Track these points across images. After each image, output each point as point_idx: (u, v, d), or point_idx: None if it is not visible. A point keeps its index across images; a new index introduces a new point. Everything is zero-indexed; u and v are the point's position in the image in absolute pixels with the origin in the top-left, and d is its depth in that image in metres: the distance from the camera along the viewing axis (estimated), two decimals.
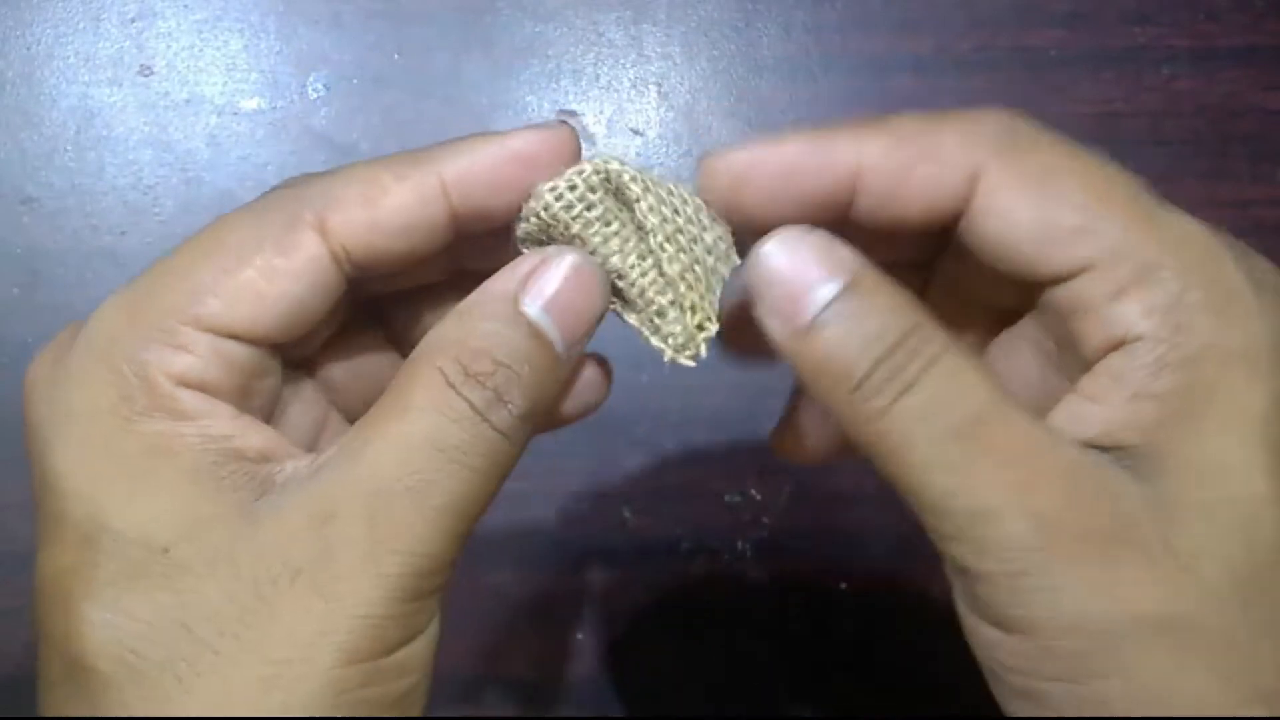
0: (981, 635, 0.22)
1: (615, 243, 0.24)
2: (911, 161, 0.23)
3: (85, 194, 0.45)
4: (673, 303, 0.25)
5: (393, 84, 0.45)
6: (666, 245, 0.24)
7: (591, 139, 0.45)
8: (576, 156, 0.24)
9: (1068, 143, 0.23)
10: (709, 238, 0.25)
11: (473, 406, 0.22)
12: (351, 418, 0.27)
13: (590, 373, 0.26)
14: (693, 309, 0.25)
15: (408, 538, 0.22)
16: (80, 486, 0.22)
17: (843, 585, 0.44)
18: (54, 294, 0.44)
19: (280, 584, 0.21)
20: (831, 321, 0.22)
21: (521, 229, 0.24)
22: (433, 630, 0.23)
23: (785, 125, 0.45)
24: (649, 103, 0.46)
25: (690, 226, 0.24)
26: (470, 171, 0.24)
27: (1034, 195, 0.22)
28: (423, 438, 0.22)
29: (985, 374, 0.22)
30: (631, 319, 0.25)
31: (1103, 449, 0.22)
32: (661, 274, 0.25)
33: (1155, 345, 0.22)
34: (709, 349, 0.25)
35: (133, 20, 0.46)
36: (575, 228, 0.24)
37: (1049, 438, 0.22)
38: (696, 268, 0.25)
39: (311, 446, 0.26)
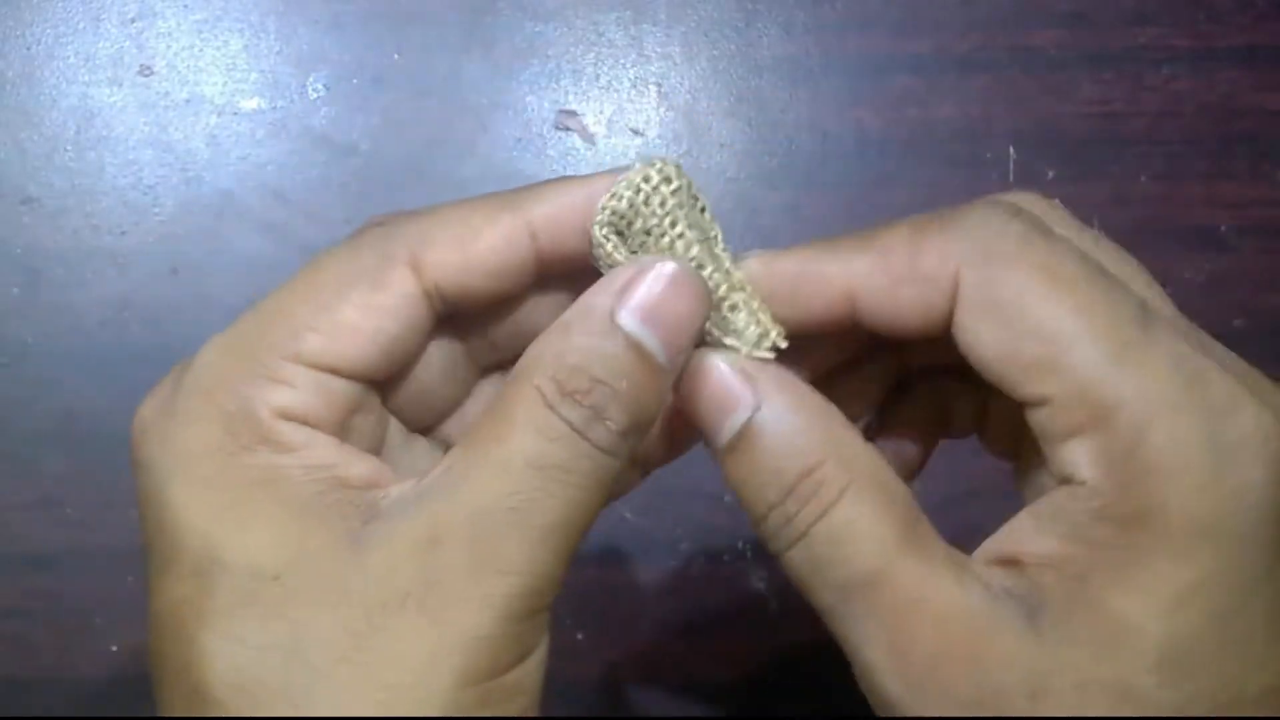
0: None
1: (695, 234, 0.24)
2: (896, 282, 0.23)
3: (85, 194, 0.45)
4: (745, 301, 0.24)
5: (393, 84, 0.45)
6: (725, 251, 0.24)
7: (591, 139, 0.45)
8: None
9: (1059, 247, 0.23)
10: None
11: (571, 425, 0.22)
12: (406, 420, 0.27)
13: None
14: (757, 313, 0.24)
15: (514, 559, 0.22)
16: (192, 520, 0.23)
17: None
18: (54, 294, 0.44)
19: (390, 609, 0.21)
20: (738, 448, 0.23)
21: (602, 211, 0.24)
22: (543, 649, 0.23)
23: (781, 119, 0.45)
24: (649, 103, 0.46)
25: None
26: (557, 216, 0.24)
27: (1000, 322, 0.22)
28: (523, 459, 0.22)
29: (884, 516, 0.22)
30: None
31: (1008, 575, 0.22)
32: (728, 276, 0.24)
33: (1095, 495, 0.21)
34: (783, 339, 0.25)
35: (133, 20, 0.46)
36: (657, 210, 0.24)
37: (941, 592, 0.22)
38: (748, 285, 0.25)
39: (376, 453, 0.26)
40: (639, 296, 0.22)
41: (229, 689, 0.21)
